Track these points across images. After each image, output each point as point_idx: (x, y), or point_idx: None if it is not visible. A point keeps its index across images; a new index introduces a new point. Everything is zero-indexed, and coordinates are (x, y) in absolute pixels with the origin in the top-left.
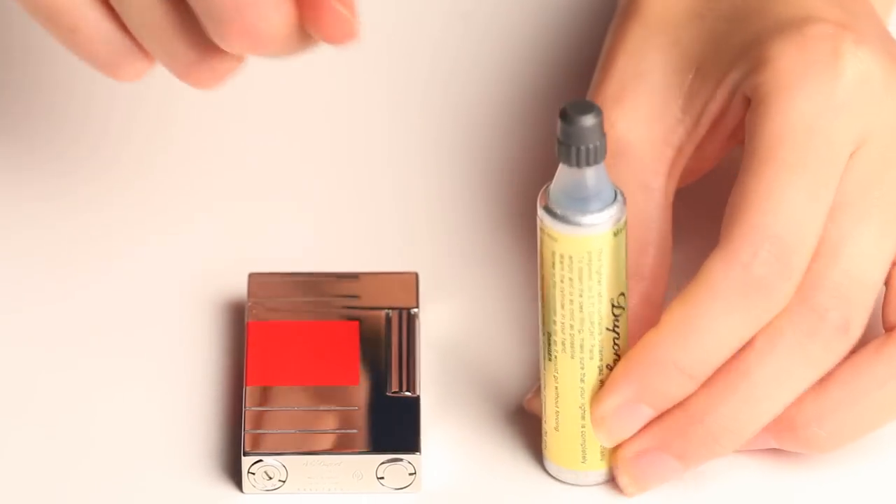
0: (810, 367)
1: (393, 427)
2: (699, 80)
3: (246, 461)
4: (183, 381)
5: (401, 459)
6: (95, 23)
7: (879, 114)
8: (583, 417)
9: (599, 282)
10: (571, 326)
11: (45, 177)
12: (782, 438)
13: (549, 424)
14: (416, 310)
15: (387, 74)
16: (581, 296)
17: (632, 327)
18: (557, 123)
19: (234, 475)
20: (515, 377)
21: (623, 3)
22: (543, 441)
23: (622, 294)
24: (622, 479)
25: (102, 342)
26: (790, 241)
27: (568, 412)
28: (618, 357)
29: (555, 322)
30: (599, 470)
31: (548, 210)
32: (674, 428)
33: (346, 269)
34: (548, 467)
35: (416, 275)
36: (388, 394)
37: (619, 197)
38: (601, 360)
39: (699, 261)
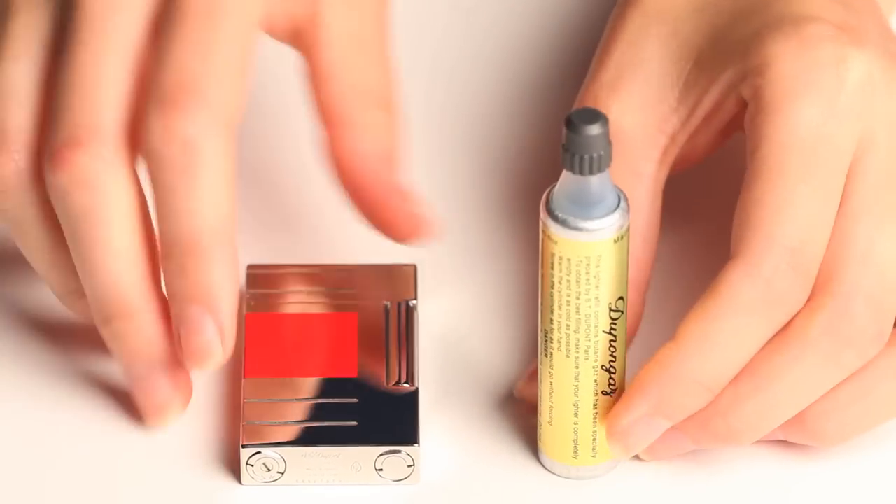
0: (842, 372)
1: (391, 419)
2: (696, 71)
3: (244, 453)
4: None
5: (399, 451)
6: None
7: (883, 115)
8: (575, 414)
9: (597, 286)
10: (568, 327)
11: None
12: (791, 431)
13: (543, 418)
14: (414, 302)
15: None
16: (578, 298)
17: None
18: (563, 131)
19: (233, 467)
20: (513, 370)
21: None
22: (538, 434)
23: (621, 298)
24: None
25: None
26: (808, 251)
27: (561, 408)
28: (613, 358)
29: (552, 321)
30: (590, 466)
31: (550, 213)
32: (695, 418)
33: (345, 261)
34: (542, 460)
35: (415, 267)
36: (386, 386)
37: (622, 204)
38: (596, 360)
39: (683, 252)
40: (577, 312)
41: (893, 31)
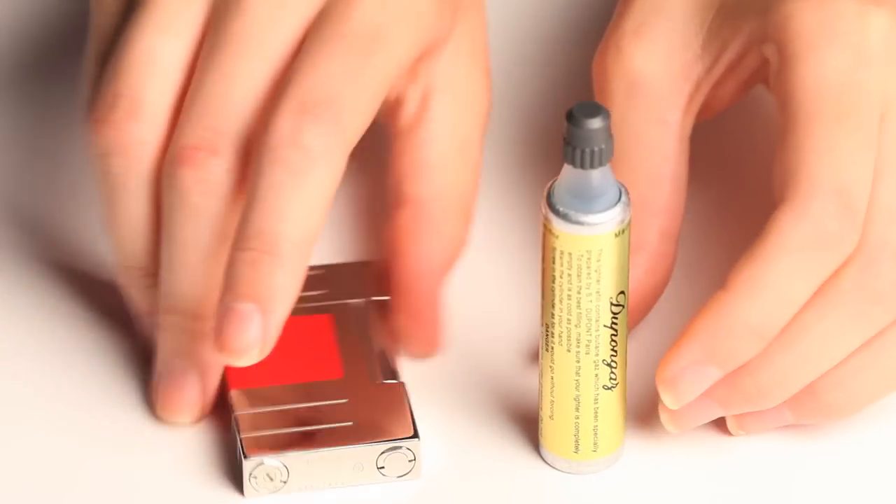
0: (870, 328)
1: (386, 415)
2: (719, 20)
3: (247, 465)
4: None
5: (400, 447)
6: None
7: None
8: (577, 409)
9: (598, 280)
10: (569, 321)
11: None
12: (801, 406)
13: (544, 412)
14: (388, 297)
15: None
16: (579, 292)
17: (651, 262)
18: (564, 125)
19: (232, 479)
20: (515, 365)
21: None
22: (539, 428)
23: (622, 293)
24: (663, 415)
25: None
26: (854, 192)
27: (562, 403)
28: (615, 353)
29: (553, 315)
30: (592, 460)
31: (551, 207)
32: (724, 378)
33: (316, 262)
34: (543, 455)
35: (378, 263)
36: (373, 383)
37: (623, 198)
38: (597, 355)
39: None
40: (578, 307)
41: None
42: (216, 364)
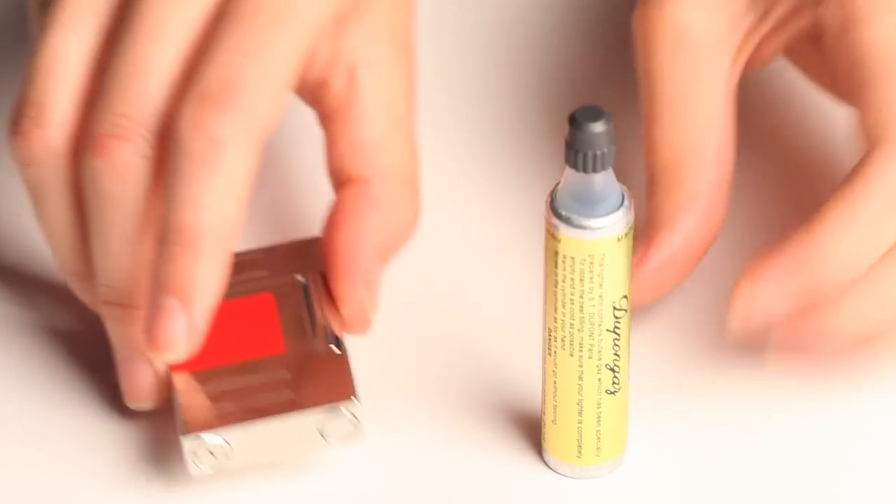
0: None
1: (326, 381)
2: None
3: (186, 442)
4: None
5: (339, 409)
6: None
7: None
8: (580, 413)
9: (601, 284)
10: (571, 325)
11: None
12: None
13: (547, 417)
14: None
15: None
16: (582, 297)
17: (704, 211)
18: (567, 129)
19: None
20: (517, 369)
21: None
22: (542, 433)
23: (625, 297)
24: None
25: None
26: None
27: (565, 407)
28: (617, 357)
29: (555, 319)
30: (594, 465)
31: (554, 211)
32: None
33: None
34: (546, 459)
35: (320, 239)
36: (316, 354)
37: (625, 202)
38: (600, 359)
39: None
40: (581, 311)
41: None
42: None
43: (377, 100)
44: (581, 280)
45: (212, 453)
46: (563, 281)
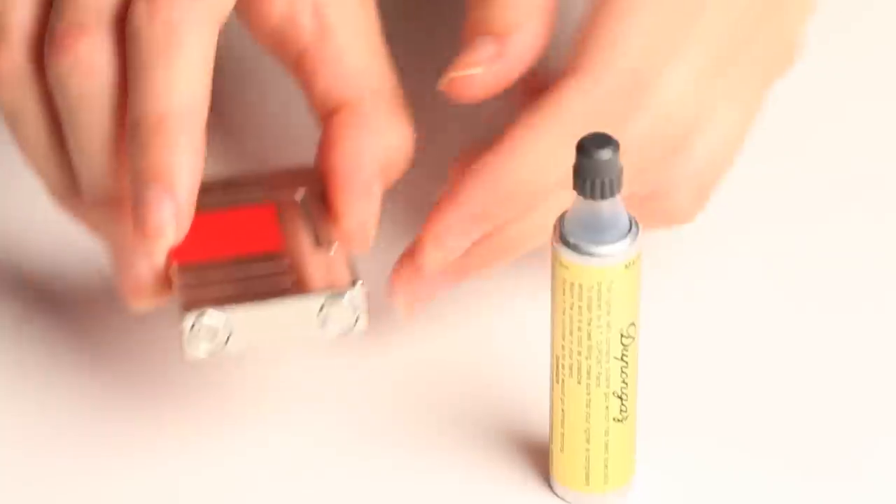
0: None
1: (329, 271)
2: None
3: (186, 320)
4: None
5: (341, 295)
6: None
7: None
8: (587, 441)
9: (608, 312)
10: (579, 353)
11: None
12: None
13: (555, 445)
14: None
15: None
16: (589, 324)
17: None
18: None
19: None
20: (525, 397)
21: None
22: (550, 460)
23: (632, 324)
24: (399, 300)
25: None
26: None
27: (573, 435)
28: (625, 385)
29: (563, 347)
30: (602, 493)
31: (561, 238)
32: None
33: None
34: (554, 487)
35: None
36: (316, 250)
37: (633, 229)
38: (608, 387)
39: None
40: (589, 338)
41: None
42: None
43: (349, 31)
44: (588, 307)
45: (210, 334)
46: (571, 308)
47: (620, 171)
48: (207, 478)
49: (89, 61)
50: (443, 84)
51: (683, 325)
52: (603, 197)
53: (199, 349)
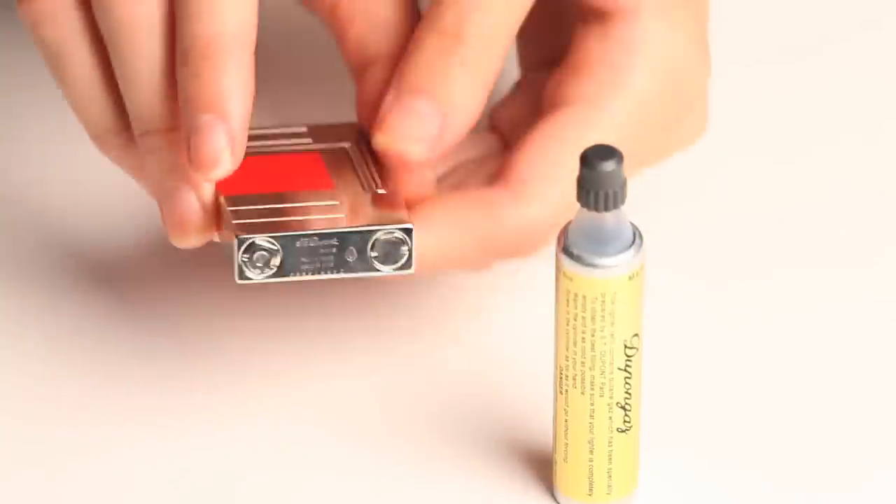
0: None
1: (381, 209)
2: None
3: (240, 244)
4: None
5: (393, 231)
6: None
7: None
8: (591, 452)
9: (612, 323)
10: (583, 364)
11: None
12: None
13: (558, 455)
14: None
15: None
16: (593, 335)
17: None
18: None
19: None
20: (528, 408)
21: None
22: (553, 471)
23: (636, 335)
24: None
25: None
26: None
27: (576, 445)
28: (629, 395)
29: (566, 358)
30: (606, 503)
31: (565, 249)
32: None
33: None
34: (557, 497)
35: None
36: (367, 191)
37: (637, 240)
38: (611, 397)
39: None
40: (593, 349)
41: None
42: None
43: None
44: (592, 319)
45: (263, 259)
46: (575, 319)
47: (624, 183)
48: (205, 483)
49: None
50: (377, 144)
51: (688, 336)
52: (606, 209)
53: (253, 274)
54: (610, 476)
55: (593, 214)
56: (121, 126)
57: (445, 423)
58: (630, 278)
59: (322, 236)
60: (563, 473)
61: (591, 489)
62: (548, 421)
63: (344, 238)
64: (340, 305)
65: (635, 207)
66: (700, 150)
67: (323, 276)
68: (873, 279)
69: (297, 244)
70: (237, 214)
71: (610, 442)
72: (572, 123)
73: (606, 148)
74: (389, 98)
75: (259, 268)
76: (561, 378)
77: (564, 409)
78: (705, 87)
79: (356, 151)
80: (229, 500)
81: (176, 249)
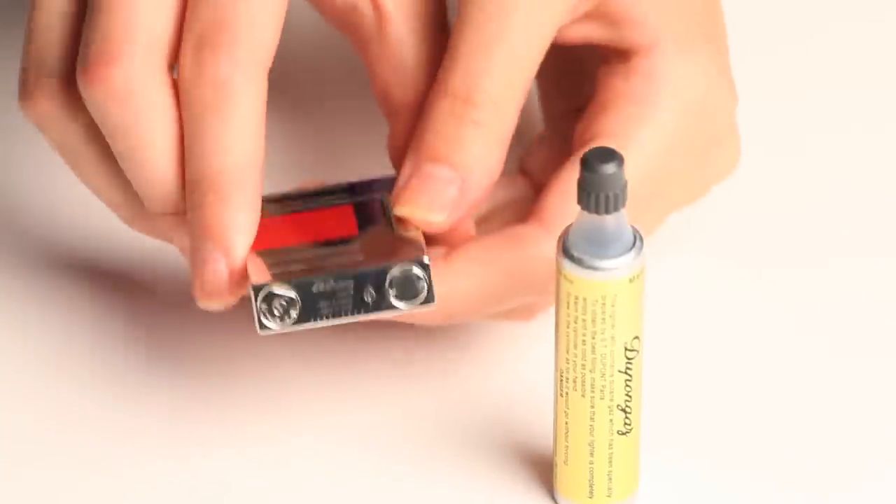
0: None
1: (398, 249)
2: None
3: (256, 293)
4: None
5: (408, 266)
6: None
7: None
8: (591, 454)
9: (613, 325)
10: (583, 366)
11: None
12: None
13: (558, 457)
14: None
15: None
16: (594, 338)
17: None
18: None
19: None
20: (528, 409)
21: None
22: (554, 473)
23: (636, 338)
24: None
25: None
26: None
27: (577, 448)
28: (629, 398)
29: (567, 360)
30: None
31: (566, 252)
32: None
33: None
34: (557, 500)
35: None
36: (389, 234)
37: (637, 243)
38: (612, 400)
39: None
40: (593, 352)
41: None
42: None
43: (408, 22)
44: (593, 321)
45: (280, 307)
46: (575, 322)
47: (625, 186)
48: (203, 485)
49: (122, 90)
50: (399, 213)
51: (688, 338)
52: (607, 211)
53: (271, 323)
54: (610, 478)
55: (594, 217)
56: (143, 210)
57: (446, 426)
58: (630, 281)
59: (338, 278)
60: (564, 476)
61: (591, 491)
62: (548, 423)
63: (360, 278)
64: None
65: None
66: None
67: (343, 320)
68: (872, 279)
69: (314, 289)
70: (257, 267)
71: (610, 444)
72: None
73: (607, 150)
74: (407, 170)
75: (278, 317)
76: (561, 380)
77: (565, 412)
78: (733, 120)
79: (386, 204)
80: (229, 500)
81: (179, 259)
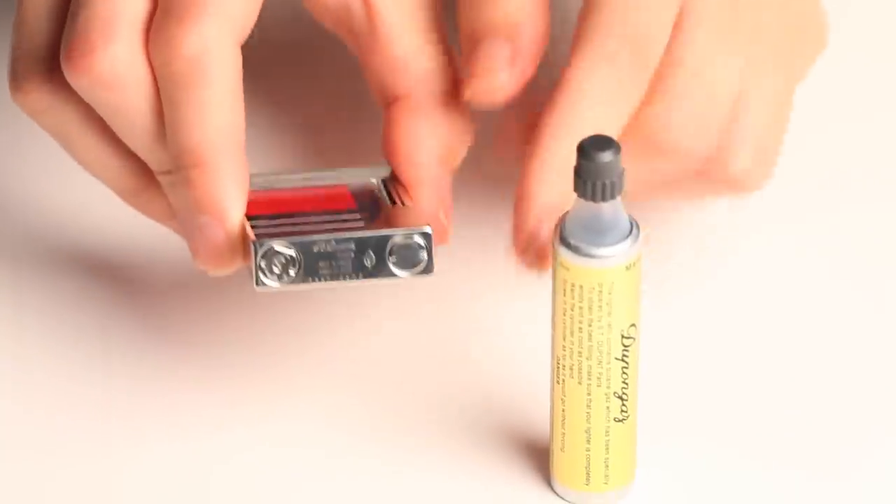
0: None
1: (399, 218)
2: None
3: (257, 248)
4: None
5: (410, 234)
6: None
7: None
8: (588, 441)
9: (609, 313)
10: (580, 353)
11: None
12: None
13: (555, 445)
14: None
15: None
16: (590, 325)
17: None
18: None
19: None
20: (523, 397)
21: None
22: (550, 460)
23: (633, 325)
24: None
25: None
26: (647, 44)
27: (573, 435)
28: (626, 385)
29: (564, 348)
30: (603, 493)
31: (562, 240)
32: None
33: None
34: (554, 487)
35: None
36: (388, 206)
37: (634, 231)
38: (608, 387)
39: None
40: (590, 339)
41: None
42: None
43: (398, 17)
44: (590, 309)
45: (280, 265)
46: (572, 309)
47: (621, 174)
48: (208, 475)
49: (106, 77)
50: (467, 95)
51: (684, 326)
52: (604, 199)
53: (269, 280)
54: (607, 465)
55: (590, 205)
56: (140, 186)
57: (443, 414)
58: (627, 268)
59: (339, 241)
60: (561, 463)
61: (588, 478)
62: (545, 411)
63: (361, 242)
64: (340, 299)
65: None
66: None
67: (342, 283)
68: (870, 276)
69: (315, 248)
70: (256, 228)
71: (607, 431)
72: None
73: (604, 138)
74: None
75: (277, 275)
76: (558, 368)
77: (561, 399)
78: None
79: (383, 186)
80: (230, 499)
81: (181, 250)
